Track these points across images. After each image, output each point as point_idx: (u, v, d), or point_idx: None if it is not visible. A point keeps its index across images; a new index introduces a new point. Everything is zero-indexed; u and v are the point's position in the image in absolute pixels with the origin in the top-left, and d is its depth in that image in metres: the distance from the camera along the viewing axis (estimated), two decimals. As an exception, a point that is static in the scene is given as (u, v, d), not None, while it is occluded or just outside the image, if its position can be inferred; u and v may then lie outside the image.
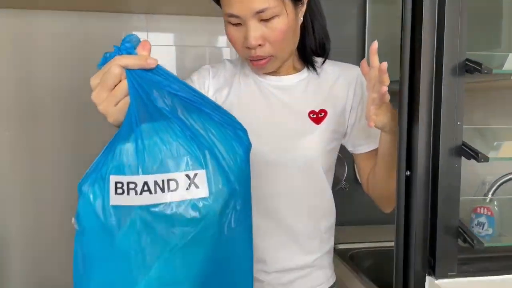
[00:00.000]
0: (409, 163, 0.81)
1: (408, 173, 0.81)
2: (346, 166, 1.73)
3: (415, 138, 0.81)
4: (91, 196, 0.59)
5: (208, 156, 0.60)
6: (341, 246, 1.49)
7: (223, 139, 0.62)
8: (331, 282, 1.06)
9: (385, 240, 1.58)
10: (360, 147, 1.04)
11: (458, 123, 0.77)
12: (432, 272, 0.79)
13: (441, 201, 0.78)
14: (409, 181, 0.81)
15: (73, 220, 0.60)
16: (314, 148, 0.98)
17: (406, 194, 0.81)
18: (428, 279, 0.80)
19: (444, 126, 0.78)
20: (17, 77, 2.01)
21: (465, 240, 0.77)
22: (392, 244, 1.56)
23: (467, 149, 0.79)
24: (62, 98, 2.15)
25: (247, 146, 0.66)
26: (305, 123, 0.98)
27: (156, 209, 0.58)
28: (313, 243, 1.01)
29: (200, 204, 0.59)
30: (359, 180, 1.11)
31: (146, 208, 0.58)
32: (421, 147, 0.80)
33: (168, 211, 0.58)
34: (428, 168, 0.80)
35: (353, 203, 1.78)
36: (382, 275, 1.24)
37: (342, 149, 1.73)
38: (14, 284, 2.22)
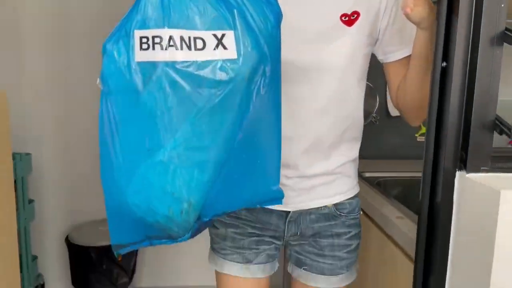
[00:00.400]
0: (446, 54, 0.77)
1: (444, 64, 0.78)
2: (378, 98, 1.69)
3: (453, 28, 0.76)
4: (115, 54, 0.58)
5: (237, 17, 0.58)
6: (367, 174, 1.47)
7: (253, 2, 0.60)
8: (354, 192, 1.05)
9: (413, 170, 1.55)
10: (391, 54, 0.99)
11: (502, 5, 0.72)
12: (464, 166, 0.76)
13: (478, 92, 0.74)
14: (445, 73, 0.77)
15: (98, 80, 0.61)
16: (345, 53, 0.94)
17: (440, 86, 0.78)
18: (458, 174, 0.77)
19: (486, 12, 0.73)
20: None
21: (501, 132, 0.74)
22: (420, 174, 1.55)
23: (510, 34, 0.74)
24: (93, 15, 2.17)
25: (278, 14, 0.63)
26: (336, 26, 0.95)
27: (182, 67, 0.57)
28: (337, 150, 0.98)
29: (228, 66, 0.58)
30: (388, 94, 1.07)
31: (172, 64, 0.57)
32: (459, 38, 0.76)
33: (195, 70, 0.57)
34: (466, 59, 0.76)
35: (382, 137, 1.75)
36: (409, 203, 1.22)
37: (374, 80, 1.68)
38: (48, 212, 2.33)
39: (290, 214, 1.00)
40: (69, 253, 2.14)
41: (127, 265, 2.13)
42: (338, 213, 1.01)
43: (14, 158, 2.03)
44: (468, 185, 0.75)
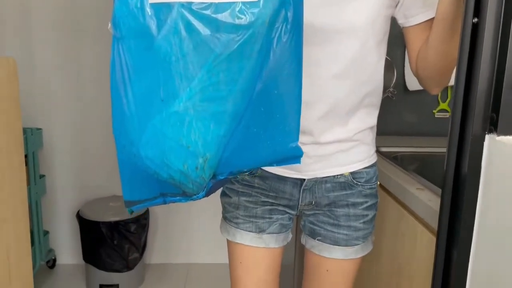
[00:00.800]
0: (477, 9, 0.72)
1: (475, 20, 0.73)
2: (395, 71, 1.64)
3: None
4: (128, -5, 0.55)
5: (257, -45, 0.54)
6: (384, 149, 1.43)
7: None
8: (372, 161, 1.01)
9: (430, 146, 1.51)
10: (413, 17, 0.94)
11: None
12: (494, 129, 0.72)
13: (512, 49, 0.70)
14: (476, 29, 0.73)
15: (109, 25, 0.57)
16: (365, 14, 0.89)
17: (471, 44, 0.73)
18: (488, 137, 0.73)
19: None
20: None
21: (537, 91, 0.69)
22: (438, 150, 1.50)
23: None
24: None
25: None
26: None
27: (199, 8, 0.52)
28: (355, 116, 0.94)
29: (248, 9, 0.54)
30: (408, 61, 1.01)
31: (188, 6, 0.53)
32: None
33: (212, 13, 0.53)
34: (499, 14, 0.71)
35: (398, 113, 1.70)
36: (429, 177, 1.18)
37: (391, 53, 1.62)
38: (59, 188, 2.33)
39: (305, 183, 0.97)
40: (80, 228, 2.14)
41: (138, 240, 2.12)
42: (355, 182, 0.98)
43: (25, 133, 2.03)
44: (498, 148, 0.70)
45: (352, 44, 0.90)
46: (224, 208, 1.05)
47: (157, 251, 2.45)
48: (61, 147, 2.29)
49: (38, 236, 2.14)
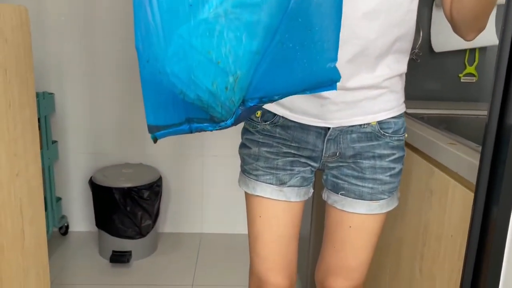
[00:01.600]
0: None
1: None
2: (421, 32, 1.56)
3: None
4: None
5: None
6: (410, 111, 1.37)
7: None
8: (401, 110, 0.95)
9: (458, 108, 1.44)
10: None
11: None
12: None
13: None
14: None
15: None
16: None
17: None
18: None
19: None
20: None
21: None
22: (466, 112, 1.44)
23: None
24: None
25: None
26: None
27: None
28: (384, 62, 0.88)
29: None
30: (442, 7, 0.94)
31: None
32: None
33: None
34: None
35: (423, 76, 1.63)
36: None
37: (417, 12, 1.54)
38: (71, 154, 2.31)
39: (329, 132, 0.91)
40: (93, 195, 2.12)
41: (151, 207, 2.10)
42: (382, 132, 0.92)
43: (36, 97, 2.00)
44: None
45: None
46: (243, 160, 1.00)
47: (170, 220, 2.43)
48: (74, 113, 2.26)
49: (51, 202, 2.12)
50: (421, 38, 1.57)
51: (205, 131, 0.59)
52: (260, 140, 0.96)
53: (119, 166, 2.26)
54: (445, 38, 1.53)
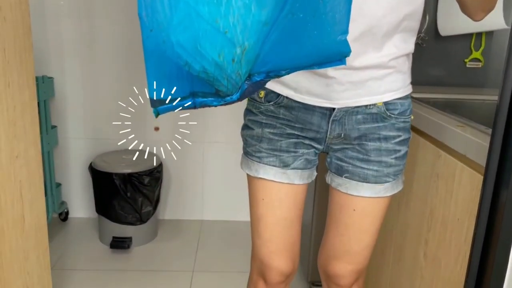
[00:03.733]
0: None
1: None
2: (427, 15, 1.53)
3: None
4: None
5: None
6: (414, 95, 1.35)
7: None
8: (407, 91, 0.93)
9: (463, 93, 1.42)
10: None
11: None
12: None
13: None
14: None
15: None
16: None
17: None
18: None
19: None
20: None
21: None
22: (471, 97, 1.41)
23: None
24: None
25: None
26: None
27: None
28: (391, 41, 0.85)
29: None
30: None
31: None
32: None
33: None
34: None
35: (428, 61, 1.60)
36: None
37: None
38: (71, 140, 2.29)
39: (334, 113, 0.89)
40: (93, 180, 2.11)
41: (151, 193, 2.09)
42: (388, 114, 0.90)
43: (36, 81, 1.97)
44: None
45: None
46: (245, 142, 0.99)
47: (170, 207, 2.42)
48: (73, 98, 2.24)
49: (51, 188, 2.11)
50: (427, 22, 1.54)
51: (210, 106, 0.57)
52: (264, 121, 0.94)
53: (119, 152, 2.24)
54: (452, 22, 1.50)
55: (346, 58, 0.74)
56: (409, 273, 1.10)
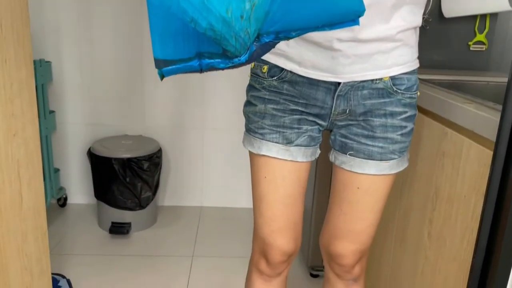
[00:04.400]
0: None
1: None
2: (431, -3, 1.51)
3: None
4: None
5: None
6: (418, 77, 1.33)
7: None
8: (414, 66, 0.91)
9: (467, 75, 1.40)
10: None
11: None
12: None
13: None
14: None
15: None
16: None
17: None
18: None
19: None
20: None
21: None
22: (475, 78, 1.39)
23: None
24: None
25: None
26: None
27: None
28: (398, 12, 0.83)
29: None
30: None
31: None
32: None
33: None
34: None
35: (432, 44, 1.58)
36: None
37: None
38: (69, 125, 2.27)
39: (339, 87, 0.87)
40: (91, 165, 2.09)
41: (151, 179, 2.07)
42: (394, 89, 0.88)
43: (33, 64, 1.94)
44: None
45: None
46: (248, 118, 0.97)
47: (170, 193, 2.40)
48: (71, 83, 2.21)
49: (49, 173, 2.09)
50: (431, 3, 1.51)
51: (216, 69, 0.55)
52: (267, 97, 0.92)
53: (118, 137, 2.22)
54: (456, 3, 1.48)
55: (354, 28, 0.72)
56: (413, 254, 1.09)
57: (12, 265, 1.16)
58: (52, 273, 1.73)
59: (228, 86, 2.22)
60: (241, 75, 2.16)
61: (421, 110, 1.07)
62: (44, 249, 1.36)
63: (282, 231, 0.98)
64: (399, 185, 1.17)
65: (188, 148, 2.34)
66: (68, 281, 1.71)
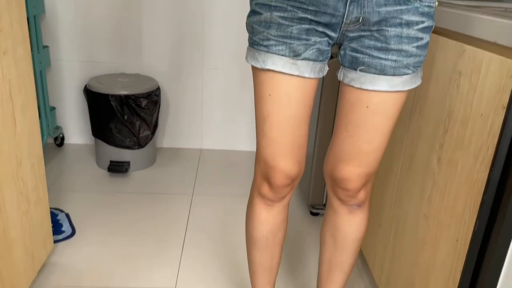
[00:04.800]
0: None
1: None
2: None
3: None
4: None
5: None
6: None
7: None
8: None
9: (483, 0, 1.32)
10: None
11: None
12: None
13: None
14: None
15: None
16: None
17: None
18: None
19: None
20: None
21: None
22: (491, 4, 1.31)
23: None
24: None
25: None
26: None
27: None
28: None
29: None
30: None
31: None
32: None
33: None
34: None
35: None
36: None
37: None
38: (66, 62, 2.19)
39: (353, -7, 0.80)
40: (88, 103, 2.03)
41: (149, 117, 2.02)
42: None
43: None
44: None
45: None
46: (252, 30, 0.90)
47: (169, 135, 2.36)
48: (65, 16, 2.11)
49: (45, 111, 2.04)
50: None
51: None
52: (273, 4, 0.85)
53: (115, 75, 2.15)
54: None
55: None
56: (420, 180, 1.05)
57: (7, 187, 1.12)
58: (51, 207, 1.72)
59: (228, 20, 2.12)
60: (240, 13, 2.06)
61: (435, 30, 1.00)
62: (41, 177, 1.32)
63: (286, 153, 0.94)
64: (408, 110, 1.12)
65: (187, 88, 2.27)
66: (67, 215, 1.70)
